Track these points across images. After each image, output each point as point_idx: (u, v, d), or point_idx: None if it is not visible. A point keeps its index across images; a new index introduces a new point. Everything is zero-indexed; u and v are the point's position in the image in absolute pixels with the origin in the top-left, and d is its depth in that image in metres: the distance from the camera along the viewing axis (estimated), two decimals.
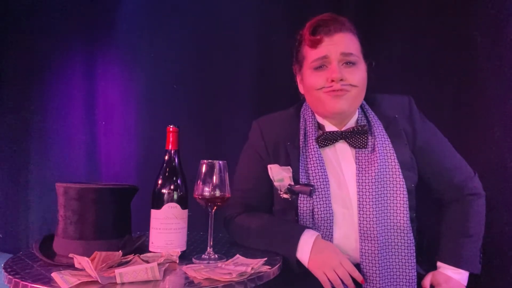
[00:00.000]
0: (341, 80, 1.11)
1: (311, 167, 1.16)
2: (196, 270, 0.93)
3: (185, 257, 1.06)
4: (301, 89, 1.26)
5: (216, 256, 1.06)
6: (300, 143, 1.20)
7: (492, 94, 1.45)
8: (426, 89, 1.58)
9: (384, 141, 1.17)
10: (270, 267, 0.98)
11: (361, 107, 1.24)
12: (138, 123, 2.30)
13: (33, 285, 0.84)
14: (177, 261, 1.01)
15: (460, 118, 1.52)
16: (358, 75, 1.13)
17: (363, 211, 1.12)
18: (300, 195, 1.15)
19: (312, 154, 1.17)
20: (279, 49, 1.91)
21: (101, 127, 2.44)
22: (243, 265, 0.96)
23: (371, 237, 1.10)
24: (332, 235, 1.14)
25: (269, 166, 1.20)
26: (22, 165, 2.71)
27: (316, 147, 1.18)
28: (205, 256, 1.05)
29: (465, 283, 1.15)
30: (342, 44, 1.12)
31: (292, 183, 1.16)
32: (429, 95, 1.57)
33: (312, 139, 1.19)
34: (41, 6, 2.66)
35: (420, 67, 1.60)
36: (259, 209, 1.27)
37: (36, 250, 1.04)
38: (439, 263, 1.18)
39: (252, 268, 0.93)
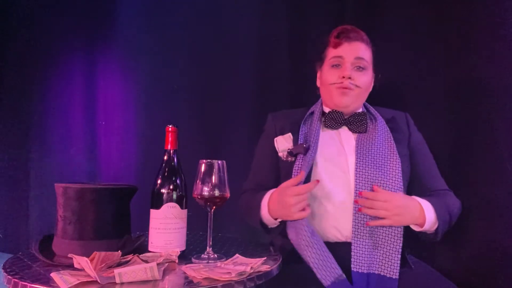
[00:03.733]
0: (350, 78, 1.29)
1: (312, 136, 1.30)
2: (196, 270, 0.93)
3: (184, 257, 1.06)
4: (318, 83, 1.45)
5: (216, 255, 1.06)
6: (304, 118, 1.36)
7: (493, 94, 1.44)
8: (426, 89, 1.58)
9: (384, 127, 1.33)
10: (269, 266, 0.98)
11: (364, 106, 1.41)
12: (138, 123, 2.29)
13: (32, 285, 0.84)
14: (177, 261, 1.02)
15: (460, 118, 1.51)
16: (364, 78, 1.32)
17: (359, 174, 1.22)
18: (298, 156, 1.26)
19: (314, 128, 1.32)
20: (279, 50, 1.92)
21: (101, 127, 2.44)
22: (242, 265, 0.96)
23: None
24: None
25: (275, 139, 1.36)
26: (22, 165, 2.71)
27: (319, 125, 1.34)
28: (205, 256, 1.05)
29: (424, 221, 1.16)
30: (357, 50, 1.31)
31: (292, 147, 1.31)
32: (429, 95, 1.57)
33: (317, 119, 1.35)
34: (41, 6, 2.66)
35: (420, 67, 1.60)
36: (268, 186, 1.32)
37: (35, 250, 1.04)
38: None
39: (251, 268, 0.93)
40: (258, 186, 1.36)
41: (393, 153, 1.26)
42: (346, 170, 1.25)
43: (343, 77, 1.29)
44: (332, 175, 1.25)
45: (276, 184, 1.27)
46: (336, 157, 1.28)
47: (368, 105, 1.41)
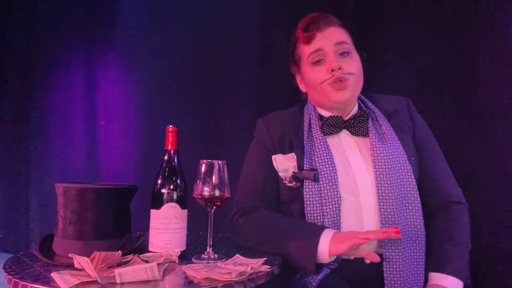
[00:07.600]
0: (340, 69, 1.15)
1: (317, 154, 1.17)
2: (196, 270, 0.92)
3: (184, 257, 1.06)
4: (302, 88, 1.30)
5: (216, 255, 1.06)
6: (305, 133, 1.22)
7: (493, 95, 1.45)
8: (426, 90, 1.58)
9: (388, 128, 1.19)
10: (269, 267, 0.98)
11: (360, 99, 1.27)
12: (138, 123, 2.30)
13: (32, 285, 0.83)
14: (177, 261, 1.01)
15: (460, 118, 1.51)
16: (353, 64, 1.18)
17: (382, 196, 1.11)
18: (305, 181, 1.15)
19: (317, 142, 1.19)
20: (279, 49, 1.91)
21: (101, 127, 2.44)
22: (242, 265, 0.96)
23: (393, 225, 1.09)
24: (339, 222, 1.11)
25: (273, 157, 1.22)
26: (22, 165, 2.71)
27: (321, 135, 1.20)
28: (205, 256, 1.05)
29: None
30: (333, 35, 1.18)
31: (297, 171, 1.17)
32: (429, 95, 1.57)
33: (316, 129, 1.21)
34: (41, 6, 2.67)
35: (420, 67, 1.60)
36: (269, 202, 1.23)
37: (35, 250, 1.04)
38: (430, 274, 1.09)
39: (251, 268, 0.93)
40: (265, 203, 1.22)
41: (404, 162, 1.14)
42: (356, 194, 1.13)
43: (332, 70, 1.15)
44: (342, 199, 1.12)
45: (278, 200, 1.22)
46: (346, 179, 1.15)
47: (365, 98, 1.27)
